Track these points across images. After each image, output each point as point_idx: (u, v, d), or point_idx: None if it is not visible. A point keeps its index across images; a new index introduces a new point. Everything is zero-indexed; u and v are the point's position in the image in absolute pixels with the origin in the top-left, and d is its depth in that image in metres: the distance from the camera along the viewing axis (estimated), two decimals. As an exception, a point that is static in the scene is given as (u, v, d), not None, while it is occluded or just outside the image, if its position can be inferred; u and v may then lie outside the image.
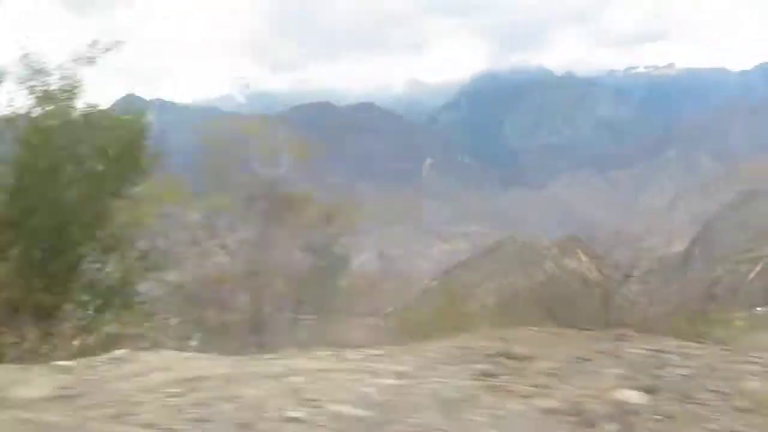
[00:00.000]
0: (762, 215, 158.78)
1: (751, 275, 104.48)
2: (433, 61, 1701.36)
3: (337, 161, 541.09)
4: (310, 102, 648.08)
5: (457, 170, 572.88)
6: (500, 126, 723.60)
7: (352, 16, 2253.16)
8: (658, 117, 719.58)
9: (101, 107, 24.61)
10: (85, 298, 22.12)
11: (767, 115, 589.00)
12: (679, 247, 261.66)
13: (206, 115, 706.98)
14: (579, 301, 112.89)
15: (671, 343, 9.43)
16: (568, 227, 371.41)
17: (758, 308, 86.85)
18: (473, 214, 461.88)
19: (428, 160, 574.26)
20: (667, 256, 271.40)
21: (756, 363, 8.06)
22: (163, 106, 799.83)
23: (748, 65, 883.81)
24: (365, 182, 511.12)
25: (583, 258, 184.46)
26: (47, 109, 20.87)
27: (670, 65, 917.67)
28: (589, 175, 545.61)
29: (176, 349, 13.78)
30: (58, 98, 21.26)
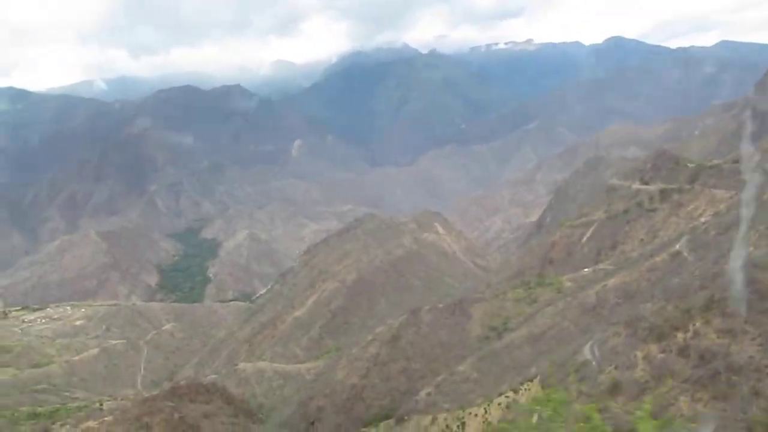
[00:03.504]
0: (604, 181, 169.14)
1: (584, 239, 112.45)
2: (300, 42, 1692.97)
3: (205, 145, 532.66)
4: (175, 86, 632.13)
5: (327, 150, 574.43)
6: (367, 105, 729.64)
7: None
8: (519, 92, 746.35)
9: None
10: None
11: (616, 87, 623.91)
12: (536, 215, 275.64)
13: (65, 102, 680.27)
14: (436, 274, 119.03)
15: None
16: (435, 203, 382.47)
17: (585, 269, 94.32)
18: (343, 194, 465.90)
19: (297, 141, 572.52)
20: (524, 225, 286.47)
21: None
22: (16, 94, 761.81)
23: (600, 39, 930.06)
24: (235, 166, 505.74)
25: (441, 231, 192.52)
26: None
27: (529, 41, 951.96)
28: (454, 151, 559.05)
29: None
30: None
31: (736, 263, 30.42)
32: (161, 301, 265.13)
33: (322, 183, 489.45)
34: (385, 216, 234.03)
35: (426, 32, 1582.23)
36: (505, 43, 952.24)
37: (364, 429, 74.46)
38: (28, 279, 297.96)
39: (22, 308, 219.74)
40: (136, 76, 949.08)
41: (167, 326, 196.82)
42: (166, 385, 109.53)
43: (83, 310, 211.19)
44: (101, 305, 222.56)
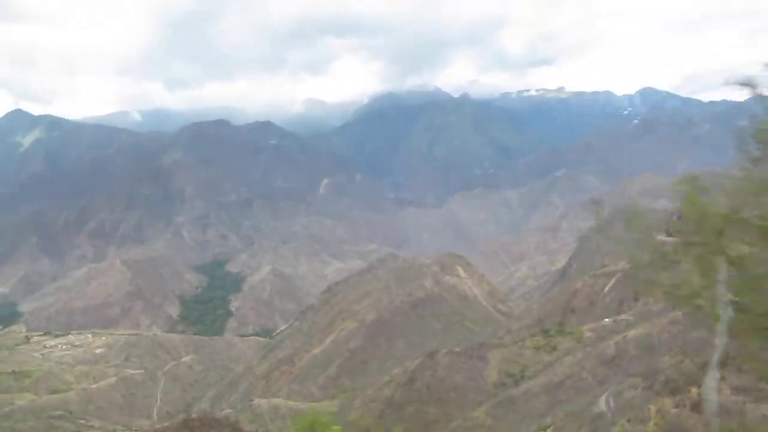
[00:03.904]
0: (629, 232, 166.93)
1: (606, 289, 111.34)
2: (332, 81, 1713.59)
3: (233, 180, 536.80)
4: (207, 120, 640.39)
5: (354, 189, 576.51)
6: (397, 146, 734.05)
7: (249, 35, 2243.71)
8: (549, 138, 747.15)
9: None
10: None
11: (647, 138, 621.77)
12: (562, 263, 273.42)
13: (100, 132, 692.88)
14: (456, 317, 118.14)
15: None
16: (462, 246, 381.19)
17: (606, 320, 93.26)
18: (369, 233, 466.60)
19: (325, 180, 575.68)
20: (549, 272, 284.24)
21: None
22: (53, 122, 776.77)
23: (632, 89, 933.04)
24: (262, 201, 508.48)
25: (463, 274, 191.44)
26: None
27: (560, 89, 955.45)
28: (483, 195, 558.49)
29: None
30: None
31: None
32: (182, 332, 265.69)
33: (347, 221, 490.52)
34: (408, 257, 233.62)
35: (458, 76, 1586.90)
36: (537, 90, 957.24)
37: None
38: (53, 305, 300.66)
39: (45, 334, 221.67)
40: (170, 108, 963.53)
41: (186, 358, 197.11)
42: (181, 417, 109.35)
43: (104, 338, 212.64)
44: (122, 334, 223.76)
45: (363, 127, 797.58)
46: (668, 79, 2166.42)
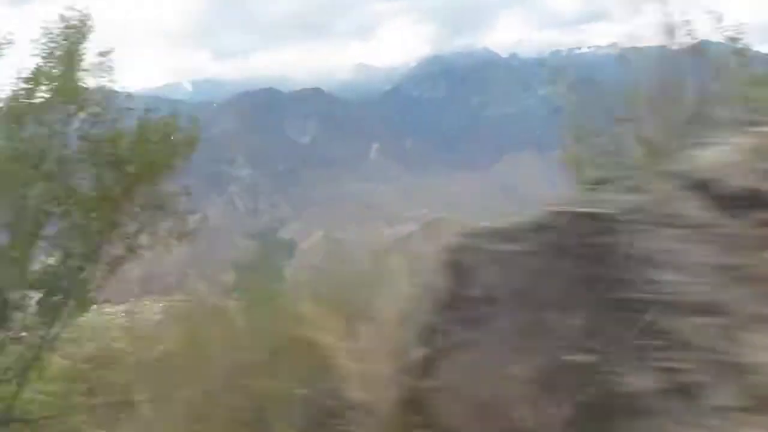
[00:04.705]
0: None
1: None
2: (380, 45, 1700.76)
3: (283, 147, 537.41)
4: (256, 89, 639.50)
5: (405, 154, 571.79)
6: (446, 109, 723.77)
7: (294, 2, 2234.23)
8: (602, 95, 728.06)
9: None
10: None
11: (701, 92, 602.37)
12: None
13: (153, 104, 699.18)
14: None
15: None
16: (513, 209, 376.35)
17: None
18: (420, 198, 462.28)
19: (375, 145, 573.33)
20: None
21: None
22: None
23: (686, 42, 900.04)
24: (312, 168, 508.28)
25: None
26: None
27: (613, 45, 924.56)
28: (533, 156, 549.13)
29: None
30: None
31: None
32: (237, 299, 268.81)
33: (399, 186, 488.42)
34: (457, 221, 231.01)
35: (506, 36, 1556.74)
36: (588, 47, 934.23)
37: None
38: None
39: (104, 302, 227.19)
40: (220, 78, 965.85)
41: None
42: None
43: (161, 305, 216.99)
44: (180, 301, 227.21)
45: (412, 91, 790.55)
46: (725, 31, 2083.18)
